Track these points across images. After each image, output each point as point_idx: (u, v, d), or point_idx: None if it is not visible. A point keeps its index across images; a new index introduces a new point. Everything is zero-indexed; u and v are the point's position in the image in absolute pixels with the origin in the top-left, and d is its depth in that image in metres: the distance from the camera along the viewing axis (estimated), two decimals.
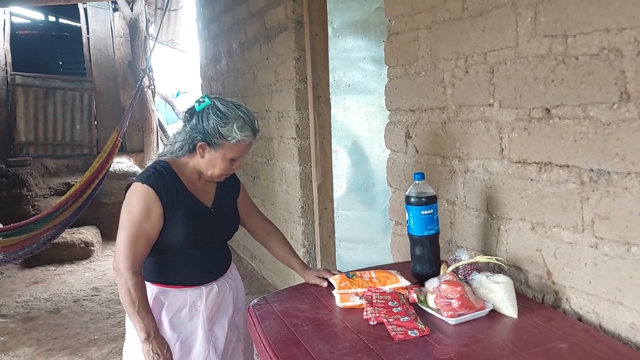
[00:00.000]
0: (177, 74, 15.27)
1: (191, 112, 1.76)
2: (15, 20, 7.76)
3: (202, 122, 1.72)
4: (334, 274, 1.79)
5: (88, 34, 7.63)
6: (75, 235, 5.88)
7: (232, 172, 1.83)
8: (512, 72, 1.62)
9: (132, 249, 1.66)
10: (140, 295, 1.64)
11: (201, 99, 1.75)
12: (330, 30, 3.28)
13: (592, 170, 1.39)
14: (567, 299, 1.52)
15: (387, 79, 2.32)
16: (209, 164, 1.76)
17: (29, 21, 8.23)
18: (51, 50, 8.01)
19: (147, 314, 1.64)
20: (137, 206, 1.68)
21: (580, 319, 1.48)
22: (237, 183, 2.01)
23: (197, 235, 1.80)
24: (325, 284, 1.79)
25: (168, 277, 1.80)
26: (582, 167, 1.42)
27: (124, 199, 1.74)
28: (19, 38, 7.60)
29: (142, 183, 1.70)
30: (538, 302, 1.60)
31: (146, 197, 1.68)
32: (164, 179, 1.73)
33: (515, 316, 1.45)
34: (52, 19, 8.29)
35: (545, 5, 1.48)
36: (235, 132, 1.69)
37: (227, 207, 1.93)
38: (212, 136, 1.71)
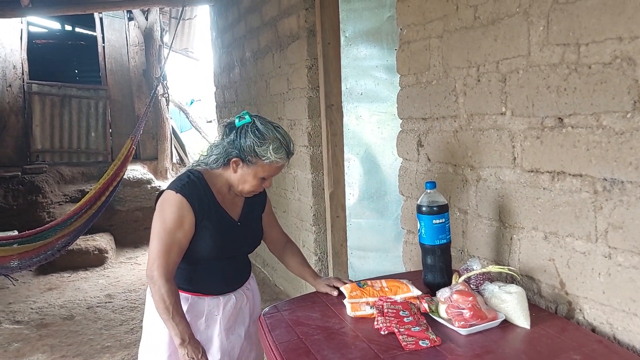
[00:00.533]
0: (191, 82, 15.39)
1: (230, 127, 1.77)
2: (33, 29, 7.89)
3: (240, 139, 1.73)
4: (345, 283, 1.79)
5: (103, 42, 7.73)
6: (89, 242, 5.94)
7: (261, 190, 1.84)
8: (524, 81, 1.62)
9: (165, 257, 1.68)
10: (174, 301, 1.66)
11: (242, 116, 1.76)
12: (342, 38, 3.30)
13: (606, 180, 1.38)
14: (580, 310, 1.50)
15: (399, 88, 2.32)
16: (240, 179, 1.78)
17: (46, 30, 8.37)
18: (67, 59, 8.13)
19: (181, 319, 1.66)
20: (170, 215, 1.70)
21: (594, 330, 1.46)
22: (265, 198, 2.01)
23: (223, 249, 1.82)
24: (335, 293, 1.80)
25: (188, 285, 1.82)
26: (596, 176, 1.40)
27: (155, 206, 1.76)
28: (36, 47, 7.72)
29: (176, 192, 1.72)
30: (551, 312, 1.58)
31: (180, 207, 1.70)
32: (197, 189, 1.75)
33: (528, 327, 1.44)
34: (68, 28, 8.42)
35: (557, 13, 1.47)
36: (271, 153, 1.70)
37: (253, 221, 1.95)
38: (248, 154, 1.72)
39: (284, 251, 2.08)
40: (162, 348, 1.81)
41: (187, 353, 1.66)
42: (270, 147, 1.70)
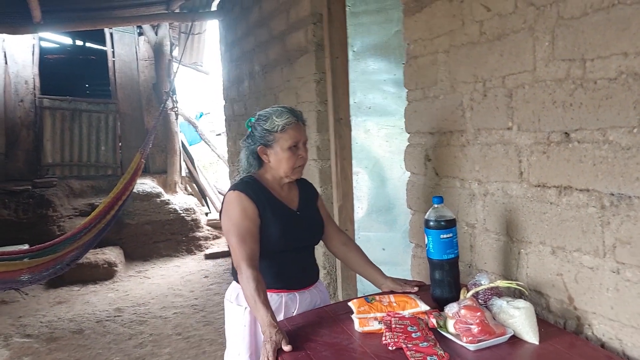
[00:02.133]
0: (200, 96, 15.52)
1: (246, 134, 1.98)
2: (44, 44, 8.01)
3: (254, 133, 1.93)
4: (413, 286, 1.89)
5: (113, 57, 7.83)
6: (98, 256, 5.98)
7: (302, 162, 1.93)
8: (530, 96, 1.63)
9: (244, 246, 1.78)
10: (256, 286, 1.68)
11: (249, 120, 1.97)
12: (350, 53, 3.33)
13: (613, 195, 1.38)
14: (589, 325, 1.50)
15: (407, 102, 2.34)
16: (277, 163, 1.91)
17: (58, 45, 8.50)
18: (78, 74, 8.24)
19: (263, 305, 1.65)
20: (234, 210, 1.85)
21: (603, 345, 1.45)
22: (314, 189, 2.15)
23: (289, 237, 1.90)
24: (400, 289, 1.89)
25: (267, 281, 1.81)
26: (602, 191, 1.40)
27: (220, 212, 1.93)
28: (48, 62, 7.84)
29: (234, 190, 1.88)
30: (560, 327, 1.57)
31: (239, 200, 1.85)
32: (252, 186, 1.90)
33: (537, 342, 1.43)
34: (79, 43, 8.55)
35: (562, 29, 1.49)
36: (276, 120, 1.87)
37: (311, 210, 2.05)
38: (264, 137, 1.90)
39: (345, 247, 2.12)
40: (243, 349, 1.89)
41: (265, 337, 1.60)
42: (274, 117, 1.88)
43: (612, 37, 1.34)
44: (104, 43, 7.90)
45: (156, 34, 7.82)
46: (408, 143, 2.37)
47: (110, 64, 7.82)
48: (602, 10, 1.36)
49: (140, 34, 7.99)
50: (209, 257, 6.91)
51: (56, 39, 8.43)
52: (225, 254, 6.57)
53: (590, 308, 1.49)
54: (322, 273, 3.56)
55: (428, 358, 1.36)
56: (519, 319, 1.46)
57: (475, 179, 1.93)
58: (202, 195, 8.58)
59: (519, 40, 1.65)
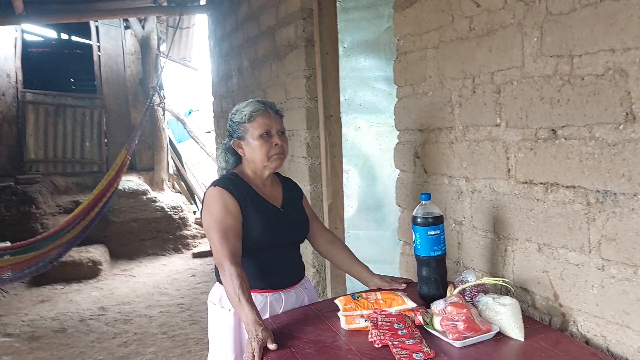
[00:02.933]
0: (189, 92, 15.40)
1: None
2: (28, 37, 7.89)
3: (229, 130, 1.95)
4: (401, 284, 1.88)
5: (99, 51, 7.73)
6: (82, 254, 5.90)
7: (278, 150, 1.89)
8: (518, 92, 1.62)
9: (226, 243, 1.74)
10: (239, 284, 1.64)
11: None
12: (340, 49, 3.30)
13: (599, 191, 1.37)
14: (574, 322, 1.50)
15: (397, 99, 2.33)
16: (251, 154, 1.89)
17: (42, 39, 8.37)
18: (62, 68, 8.11)
19: (247, 303, 1.62)
20: (215, 206, 1.81)
21: (587, 342, 1.45)
22: (299, 188, 2.13)
23: (272, 233, 1.86)
24: (387, 286, 1.87)
25: (250, 281, 1.77)
26: (588, 187, 1.40)
27: (202, 209, 1.91)
28: (31, 55, 7.71)
29: (215, 186, 1.85)
30: (545, 324, 1.57)
31: (221, 196, 1.82)
32: (233, 182, 1.87)
33: (522, 339, 1.43)
34: (64, 36, 8.42)
35: (551, 25, 1.48)
36: (244, 110, 1.88)
37: (295, 208, 2.03)
38: (235, 131, 1.91)
39: (332, 245, 2.10)
40: (228, 352, 1.85)
41: (249, 335, 1.57)
42: (242, 107, 1.90)
43: (600, 33, 1.34)
44: (89, 37, 7.80)
45: (143, 27, 7.73)
46: (397, 140, 2.36)
47: (95, 58, 7.72)
48: (590, 6, 1.35)
49: (126, 27, 7.90)
50: (197, 255, 6.87)
51: (40, 32, 8.30)
52: None
53: (575, 305, 1.49)
54: (311, 272, 3.54)
55: (414, 355, 1.35)
56: (505, 315, 1.46)
57: (463, 175, 1.92)
58: (190, 193, 8.52)
59: (507, 36, 1.64)
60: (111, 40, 7.82)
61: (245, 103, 1.92)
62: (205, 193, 1.89)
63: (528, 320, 1.52)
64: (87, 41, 7.95)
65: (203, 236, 7.28)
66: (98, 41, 7.74)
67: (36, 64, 7.64)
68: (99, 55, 7.73)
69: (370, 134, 3.38)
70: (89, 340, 4.07)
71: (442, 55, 1.98)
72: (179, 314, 4.63)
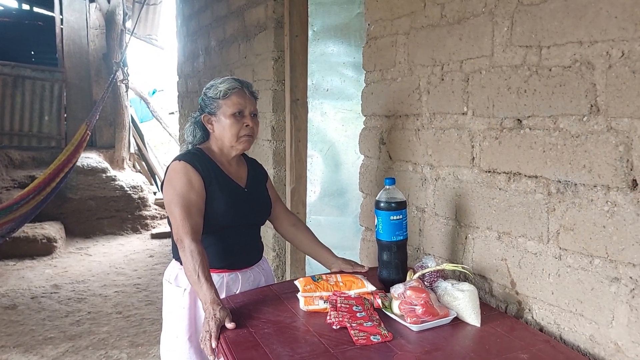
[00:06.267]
0: (154, 72, 15.05)
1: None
2: None
3: (200, 104, 1.91)
4: (364, 267, 1.89)
5: (62, 24, 7.44)
6: (37, 230, 5.71)
7: (248, 132, 1.85)
8: (486, 81, 1.63)
9: (188, 219, 1.70)
10: (199, 262, 1.61)
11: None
12: (310, 32, 3.26)
13: (560, 182, 1.39)
14: (529, 309, 1.52)
15: (364, 84, 2.31)
16: (220, 131, 1.85)
17: (2, 8, 8.02)
18: (23, 39, 7.80)
19: (206, 281, 1.58)
20: (179, 180, 1.76)
21: (541, 329, 1.48)
22: (264, 170, 2.11)
23: (234, 213, 1.84)
24: (350, 269, 1.87)
25: (208, 259, 1.72)
26: (550, 177, 1.42)
27: (162, 183, 1.86)
28: None
29: (179, 161, 1.80)
30: (501, 311, 1.59)
31: (185, 171, 1.77)
32: (198, 158, 1.83)
33: (478, 325, 1.44)
34: (26, 7, 8.09)
35: (521, 15, 1.49)
36: (219, 87, 1.84)
37: (260, 189, 2.01)
38: (207, 105, 1.86)
39: (294, 228, 2.09)
40: (182, 331, 1.82)
41: (207, 314, 1.53)
42: (218, 83, 1.86)
43: (569, 25, 1.35)
44: (52, 8, 7.51)
45: (109, 1, 7.50)
46: (363, 126, 2.35)
47: (58, 31, 7.43)
48: None
49: (91, 0, 7.62)
50: (155, 236, 6.75)
51: (0, 1, 7.94)
52: None
53: (531, 293, 1.51)
54: (271, 255, 3.52)
55: (371, 337, 1.35)
56: (463, 301, 1.47)
57: (428, 163, 1.93)
58: (151, 173, 8.34)
59: (478, 25, 1.64)
60: (75, 13, 7.53)
61: (221, 79, 1.88)
62: (168, 166, 1.84)
63: (485, 307, 1.53)
64: (49, 13, 7.65)
65: (162, 217, 7.14)
66: (61, 13, 7.44)
67: None
68: (62, 28, 7.44)
69: (336, 120, 3.37)
70: (40, 318, 3.95)
71: (412, 42, 1.97)
72: (135, 294, 4.54)
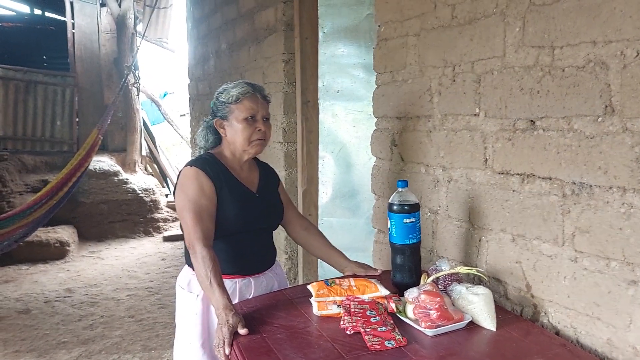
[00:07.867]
0: (165, 75, 15.10)
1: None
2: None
3: (213, 108, 1.90)
4: (376, 270, 1.88)
5: (73, 28, 7.50)
6: (50, 234, 5.75)
7: (260, 136, 1.85)
8: (498, 82, 1.61)
9: (200, 225, 1.70)
10: (212, 267, 1.61)
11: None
12: (320, 34, 3.26)
13: (574, 183, 1.38)
14: (545, 313, 1.50)
15: (375, 86, 2.30)
16: (233, 136, 1.85)
17: (14, 13, 8.11)
18: (35, 44, 7.88)
19: (218, 287, 1.59)
20: (190, 186, 1.77)
21: (558, 333, 1.46)
22: (276, 174, 2.10)
23: (246, 218, 1.84)
24: (363, 272, 1.86)
25: (220, 266, 1.71)
26: (565, 179, 1.40)
27: (175, 188, 1.86)
28: (2, 30, 7.47)
29: (191, 166, 1.81)
30: (517, 315, 1.58)
31: (196, 176, 1.78)
32: (210, 163, 1.83)
33: (494, 329, 1.43)
34: (37, 12, 8.17)
35: (533, 15, 1.47)
36: (232, 91, 1.83)
37: (271, 194, 2.00)
38: (220, 110, 1.86)
39: (307, 232, 2.08)
40: (195, 337, 1.81)
41: (220, 320, 1.54)
42: (230, 88, 1.85)
43: (582, 25, 1.33)
44: (63, 13, 7.57)
45: (120, 5, 7.53)
46: (375, 127, 2.34)
47: (69, 35, 7.49)
48: None
49: (102, 5, 7.68)
50: (168, 239, 6.77)
51: (12, 6, 8.03)
52: None
53: (547, 296, 1.49)
54: (283, 258, 3.52)
55: (386, 343, 1.34)
56: (478, 305, 1.46)
57: (440, 165, 1.92)
58: (162, 176, 8.38)
59: (490, 25, 1.63)
60: (86, 18, 7.59)
61: (233, 84, 1.87)
62: (180, 172, 1.84)
63: (500, 311, 1.52)
64: (61, 17, 7.72)
65: (174, 220, 7.17)
66: (72, 18, 7.50)
67: (7, 39, 7.41)
68: (73, 33, 7.50)
69: (347, 121, 3.36)
70: (53, 322, 3.98)
71: (423, 43, 1.96)
72: (148, 298, 4.56)
